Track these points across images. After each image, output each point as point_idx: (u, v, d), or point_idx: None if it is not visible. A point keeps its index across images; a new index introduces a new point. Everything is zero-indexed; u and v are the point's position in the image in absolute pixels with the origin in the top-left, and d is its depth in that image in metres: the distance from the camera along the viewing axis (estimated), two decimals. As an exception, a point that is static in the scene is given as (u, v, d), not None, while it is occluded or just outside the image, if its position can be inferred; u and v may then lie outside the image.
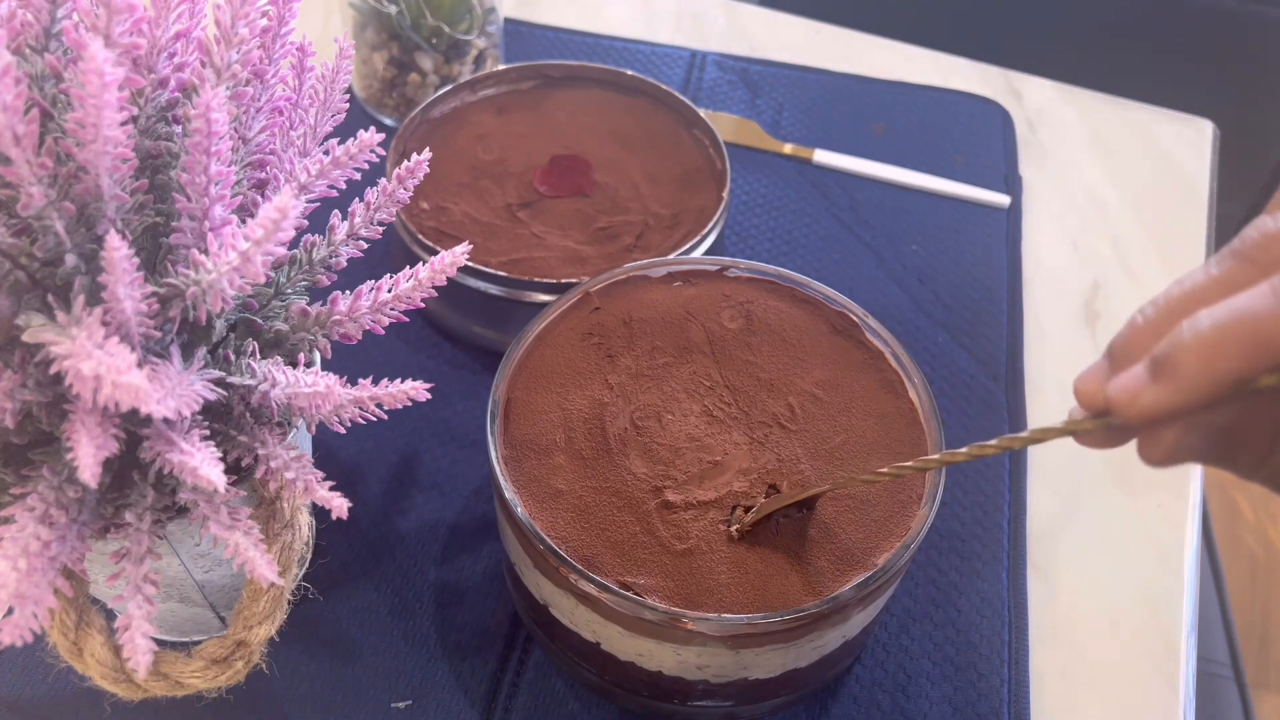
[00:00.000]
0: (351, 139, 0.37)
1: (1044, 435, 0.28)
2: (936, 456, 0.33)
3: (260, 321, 0.37)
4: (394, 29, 0.63)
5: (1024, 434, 0.29)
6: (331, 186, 0.37)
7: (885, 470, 0.34)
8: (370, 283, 0.37)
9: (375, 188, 0.39)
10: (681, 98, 0.61)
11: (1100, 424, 0.27)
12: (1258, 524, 1.31)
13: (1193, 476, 0.54)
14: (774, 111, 0.71)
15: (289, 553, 0.37)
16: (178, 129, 0.35)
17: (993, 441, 0.30)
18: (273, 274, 0.37)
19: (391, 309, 0.37)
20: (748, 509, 0.39)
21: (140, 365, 0.28)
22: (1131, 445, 0.29)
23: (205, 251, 0.31)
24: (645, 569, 0.38)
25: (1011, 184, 0.67)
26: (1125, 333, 0.26)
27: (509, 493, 0.39)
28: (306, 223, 0.36)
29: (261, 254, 0.29)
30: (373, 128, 0.37)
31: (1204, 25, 0.97)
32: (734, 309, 0.46)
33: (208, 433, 0.32)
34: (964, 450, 0.31)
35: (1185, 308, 0.25)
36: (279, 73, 0.37)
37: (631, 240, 0.55)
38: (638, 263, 0.47)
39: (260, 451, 0.34)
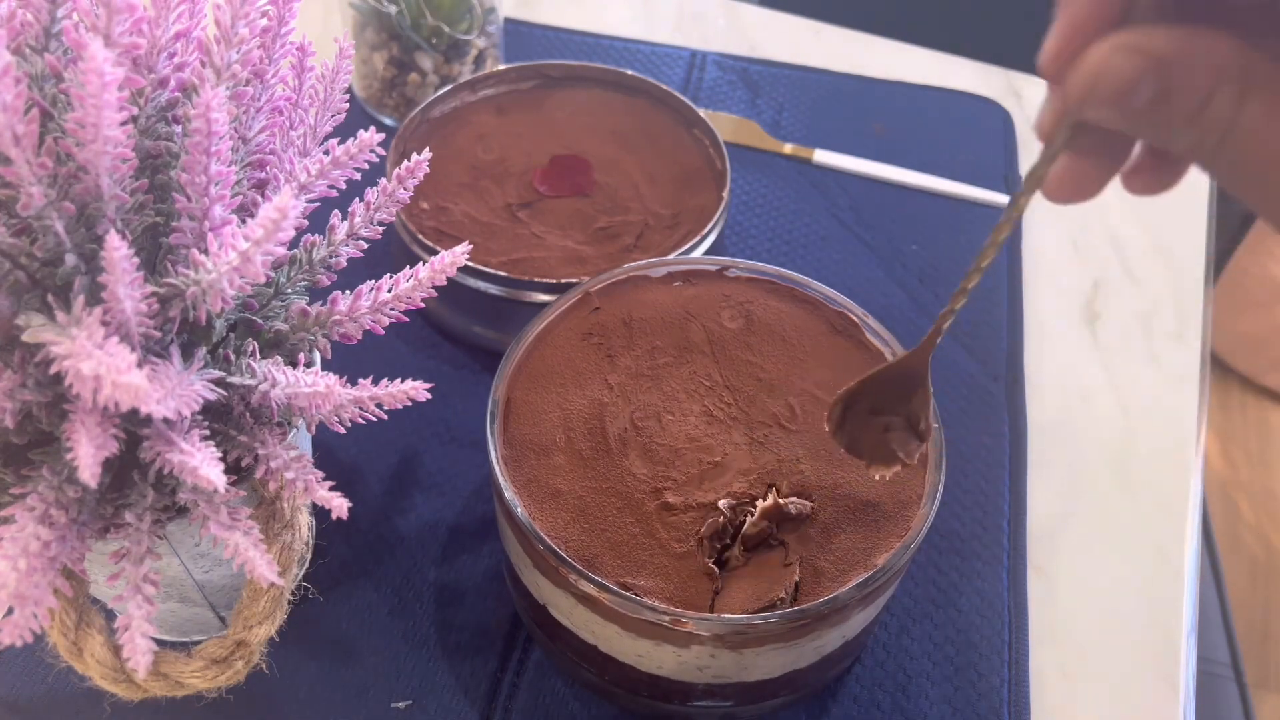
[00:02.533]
0: (351, 139, 0.37)
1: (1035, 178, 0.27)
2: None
3: (260, 321, 0.37)
4: (394, 29, 0.63)
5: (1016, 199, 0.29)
6: (331, 186, 0.37)
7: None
8: (370, 283, 0.37)
9: (375, 188, 0.39)
10: (681, 98, 0.61)
11: (1065, 131, 0.26)
12: (1258, 525, 1.31)
13: (1193, 476, 0.54)
14: (774, 111, 0.71)
15: (289, 553, 0.37)
16: (178, 129, 0.35)
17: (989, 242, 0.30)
18: (273, 274, 0.37)
19: (391, 309, 0.37)
20: (722, 538, 0.39)
21: (140, 365, 0.28)
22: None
23: (205, 251, 0.31)
24: (645, 570, 0.38)
25: (1011, 184, 0.67)
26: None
27: (509, 493, 0.39)
28: (306, 223, 0.36)
29: (261, 254, 0.29)
30: (373, 128, 0.37)
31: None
32: (734, 309, 0.46)
33: (208, 433, 0.32)
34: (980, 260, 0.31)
35: None
36: (279, 73, 0.37)
37: (631, 240, 0.55)
38: (638, 263, 0.47)
39: (260, 451, 0.34)
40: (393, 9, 0.61)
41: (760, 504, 0.39)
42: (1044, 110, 0.27)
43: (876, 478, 0.38)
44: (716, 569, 0.38)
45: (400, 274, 0.37)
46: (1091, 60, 0.23)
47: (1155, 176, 0.28)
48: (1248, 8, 0.22)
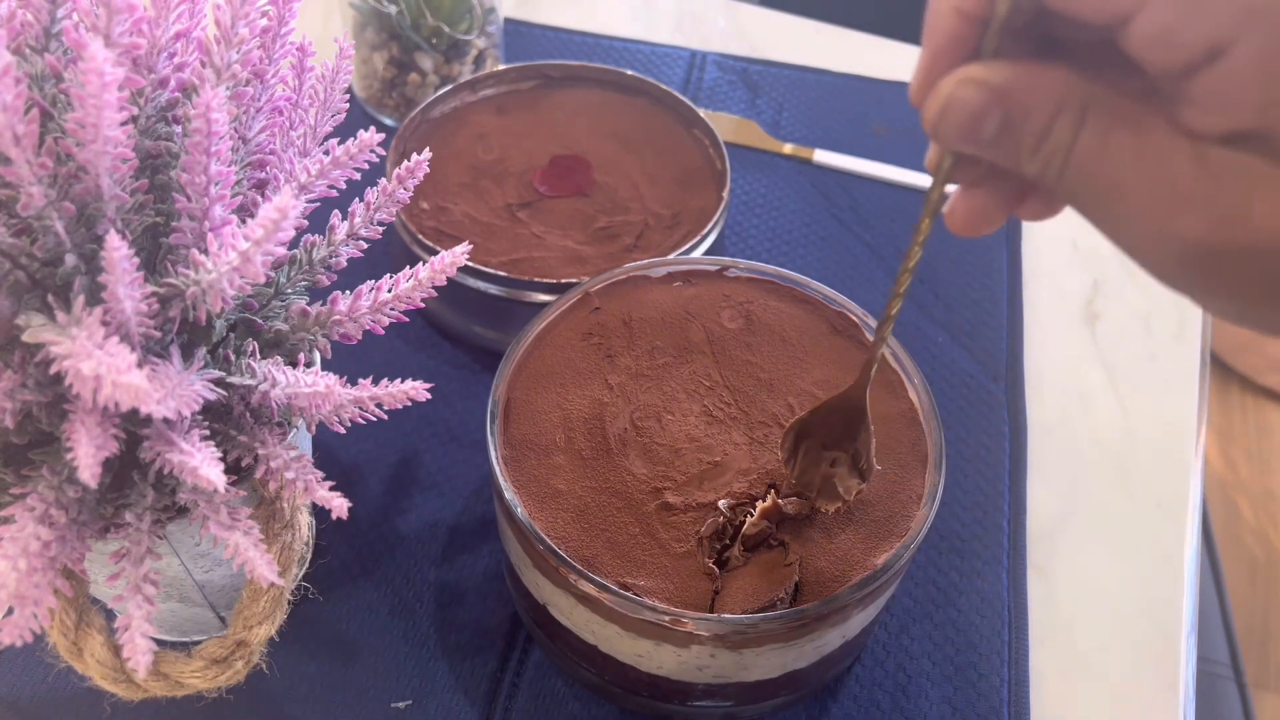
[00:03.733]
0: (351, 139, 0.37)
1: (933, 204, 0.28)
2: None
3: (260, 321, 0.37)
4: (394, 29, 0.63)
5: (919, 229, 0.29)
6: (331, 186, 0.37)
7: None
8: (370, 283, 0.37)
9: (375, 188, 0.39)
10: (681, 98, 0.61)
11: (947, 161, 0.27)
12: (1258, 525, 1.31)
13: (1193, 476, 0.54)
14: (774, 111, 0.71)
15: (289, 553, 0.37)
16: (178, 129, 0.35)
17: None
18: (273, 274, 0.37)
19: (391, 309, 0.37)
20: (722, 538, 0.39)
21: (140, 365, 0.28)
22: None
23: (205, 251, 0.31)
24: (645, 570, 0.38)
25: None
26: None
27: (509, 493, 0.39)
28: (306, 223, 0.36)
29: (261, 254, 0.29)
30: (373, 128, 0.37)
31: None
32: (734, 309, 0.46)
33: (208, 433, 0.32)
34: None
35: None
36: (279, 73, 0.37)
37: (631, 240, 0.55)
38: (638, 263, 0.47)
39: (260, 451, 0.34)
40: (393, 9, 0.61)
41: (760, 504, 0.39)
42: (931, 144, 0.28)
43: (823, 510, 0.39)
44: (716, 569, 0.38)
45: (400, 274, 0.37)
46: (940, 92, 0.24)
47: (1042, 203, 0.29)
48: (1086, 43, 0.23)
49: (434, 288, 0.37)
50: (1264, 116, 0.21)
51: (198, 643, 0.38)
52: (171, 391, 0.29)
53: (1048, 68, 0.24)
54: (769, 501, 0.38)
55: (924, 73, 0.25)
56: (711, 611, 0.37)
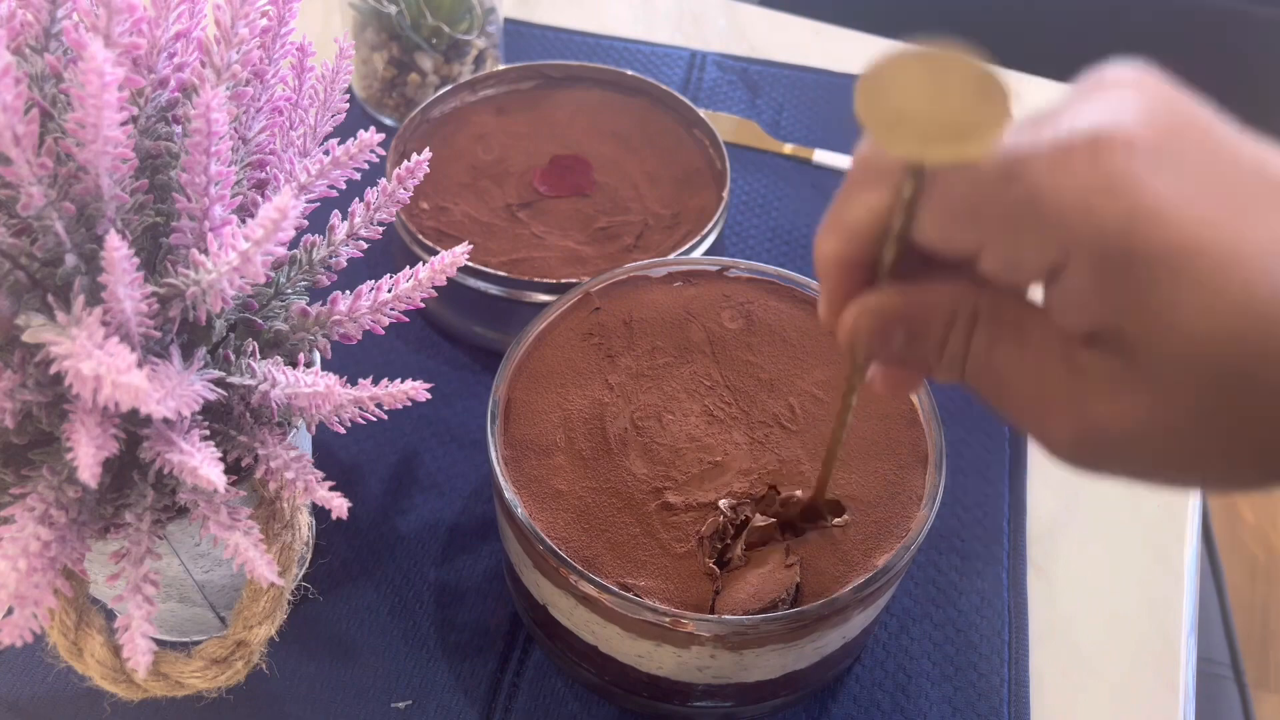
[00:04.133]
0: (351, 139, 0.37)
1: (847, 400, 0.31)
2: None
3: (260, 321, 0.37)
4: (394, 29, 0.63)
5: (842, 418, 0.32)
6: (331, 186, 0.37)
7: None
8: (370, 283, 0.37)
9: (375, 188, 0.39)
10: (681, 98, 0.61)
11: (858, 368, 0.30)
12: (1258, 526, 1.31)
13: (1193, 477, 0.54)
14: (774, 111, 0.71)
15: (289, 553, 0.37)
16: (178, 129, 0.35)
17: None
18: (273, 274, 0.37)
19: (391, 309, 0.37)
20: (723, 538, 0.39)
21: (140, 365, 0.28)
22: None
23: (205, 251, 0.31)
24: (645, 570, 0.38)
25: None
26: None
27: (509, 493, 0.39)
28: (306, 223, 0.36)
29: (261, 254, 0.29)
30: (373, 128, 0.37)
31: (1203, 25, 0.97)
32: (734, 309, 0.46)
33: (208, 433, 0.32)
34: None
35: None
36: (279, 73, 0.37)
37: (631, 240, 0.55)
38: (638, 263, 0.47)
39: (260, 451, 0.34)
40: (393, 9, 0.61)
41: (764, 508, 0.39)
42: None
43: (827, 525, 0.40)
44: (717, 569, 0.38)
45: (400, 274, 0.37)
46: (844, 323, 0.27)
47: None
48: (960, 261, 0.25)
49: (434, 288, 0.37)
50: (1114, 318, 0.22)
51: (198, 643, 0.38)
52: (171, 391, 0.29)
53: (939, 284, 0.26)
54: (776, 506, 0.38)
55: (826, 305, 0.28)
56: (712, 612, 0.37)
